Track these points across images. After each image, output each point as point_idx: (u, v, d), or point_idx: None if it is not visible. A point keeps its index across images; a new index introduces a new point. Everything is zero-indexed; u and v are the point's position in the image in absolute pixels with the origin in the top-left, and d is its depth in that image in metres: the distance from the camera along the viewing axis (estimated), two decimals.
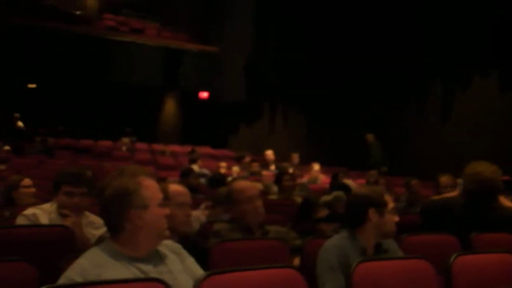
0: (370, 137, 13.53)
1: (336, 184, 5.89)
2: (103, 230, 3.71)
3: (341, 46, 14.62)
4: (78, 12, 23.67)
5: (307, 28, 16.07)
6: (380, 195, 3.34)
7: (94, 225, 3.75)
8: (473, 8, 11.54)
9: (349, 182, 7.78)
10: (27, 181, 5.23)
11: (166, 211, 2.38)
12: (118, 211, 2.28)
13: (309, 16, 16.00)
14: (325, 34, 15.28)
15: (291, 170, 9.56)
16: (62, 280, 2.16)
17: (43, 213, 3.71)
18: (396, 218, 3.32)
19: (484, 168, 3.94)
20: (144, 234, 2.29)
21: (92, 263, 2.21)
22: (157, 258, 2.37)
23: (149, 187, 2.34)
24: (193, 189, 6.12)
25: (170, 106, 24.08)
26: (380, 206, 3.28)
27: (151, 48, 20.06)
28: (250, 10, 18.99)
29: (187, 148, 15.69)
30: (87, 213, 3.78)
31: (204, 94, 20.98)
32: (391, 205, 3.32)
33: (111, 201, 2.29)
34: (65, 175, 3.74)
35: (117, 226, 2.30)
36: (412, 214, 5.39)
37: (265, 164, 11.99)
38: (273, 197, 7.62)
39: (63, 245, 3.28)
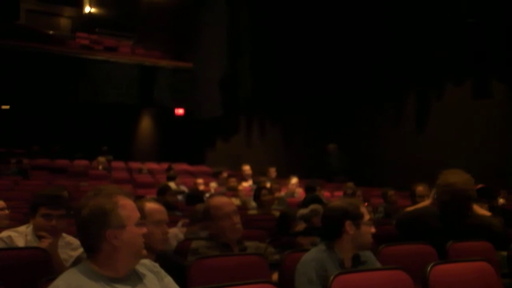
0: (331, 146, 13.99)
1: (308, 198, 5.92)
2: (80, 251, 3.68)
3: (316, 58, 14.72)
4: (51, 32, 23.60)
5: (281, 41, 16.15)
6: (356, 207, 3.36)
7: (71, 246, 3.71)
8: (447, 17, 11.67)
9: (321, 194, 7.81)
10: (0, 204, 5.17)
11: (144, 230, 2.36)
12: (95, 231, 2.26)
13: (282, 29, 16.07)
14: (299, 47, 15.36)
15: (268, 185, 9.57)
16: None
17: (19, 236, 3.66)
18: (373, 230, 3.34)
19: (457, 179, 3.95)
20: (121, 254, 2.27)
21: (69, 284, 2.19)
22: (136, 278, 2.35)
23: (126, 206, 2.33)
24: (170, 207, 6.10)
25: (146, 124, 24.03)
26: (357, 218, 3.31)
27: (125, 66, 19.97)
28: (223, 25, 19.03)
29: (164, 165, 15.64)
30: (64, 234, 3.74)
31: (180, 111, 20.95)
32: (367, 216, 3.35)
33: (87, 221, 2.27)
34: (42, 197, 3.69)
35: (94, 247, 2.28)
36: (389, 224, 5.42)
37: (242, 179, 11.98)
38: (252, 212, 7.62)
39: (40, 268, 3.24)
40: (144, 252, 2.37)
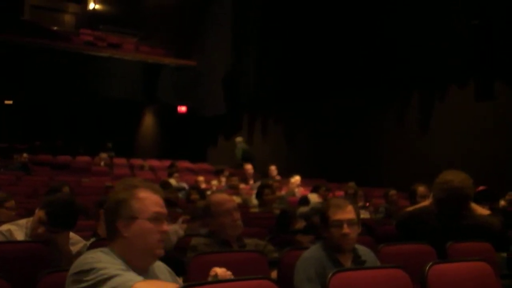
0: (238, 139, 15.92)
1: (301, 199, 6.01)
2: (80, 245, 3.69)
3: (319, 57, 14.70)
4: (55, 28, 23.63)
5: (286, 40, 16.13)
6: (324, 208, 3.34)
7: (70, 241, 3.71)
8: (451, 18, 11.63)
9: (313, 196, 7.85)
10: (11, 203, 5.17)
11: (161, 228, 2.30)
12: (110, 220, 2.29)
13: (287, 29, 16.06)
14: (303, 46, 15.35)
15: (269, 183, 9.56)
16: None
17: (19, 229, 3.66)
18: (345, 231, 3.20)
19: (454, 177, 3.95)
20: (134, 247, 2.25)
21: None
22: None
23: (143, 199, 2.30)
24: (171, 203, 6.10)
25: (148, 121, 24.04)
26: (323, 220, 3.31)
27: (129, 63, 19.98)
28: (228, 23, 19.02)
29: (166, 163, 15.63)
30: None
31: (182, 108, 20.94)
32: (336, 217, 3.25)
33: (106, 210, 2.35)
34: (45, 203, 3.57)
35: (110, 236, 2.30)
36: (390, 225, 5.42)
37: (244, 178, 11.95)
38: (253, 210, 7.63)
39: (38, 261, 3.25)
40: (159, 252, 2.32)
